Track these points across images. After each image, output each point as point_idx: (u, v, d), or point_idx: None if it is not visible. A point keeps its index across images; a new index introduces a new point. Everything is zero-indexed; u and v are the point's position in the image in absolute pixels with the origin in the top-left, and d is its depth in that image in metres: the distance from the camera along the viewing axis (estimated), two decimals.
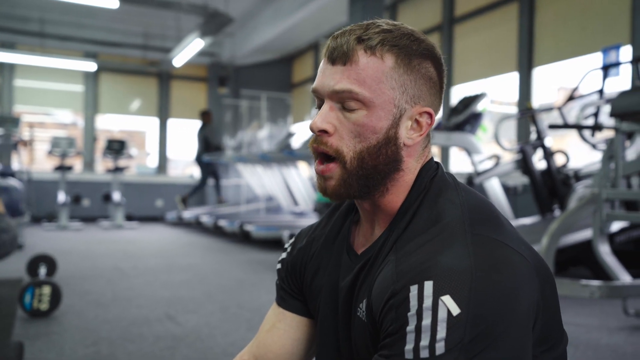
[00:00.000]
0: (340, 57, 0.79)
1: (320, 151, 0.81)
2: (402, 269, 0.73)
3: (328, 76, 0.80)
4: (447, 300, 0.67)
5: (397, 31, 0.80)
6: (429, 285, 0.68)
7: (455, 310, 0.66)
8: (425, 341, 0.66)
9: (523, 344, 0.70)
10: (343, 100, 0.79)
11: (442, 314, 0.66)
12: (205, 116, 8.96)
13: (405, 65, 0.79)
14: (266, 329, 1.00)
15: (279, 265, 1.03)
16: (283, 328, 0.98)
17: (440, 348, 0.66)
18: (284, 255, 1.03)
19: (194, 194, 8.98)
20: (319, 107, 0.83)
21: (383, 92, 0.78)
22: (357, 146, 0.79)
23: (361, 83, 0.78)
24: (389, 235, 0.81)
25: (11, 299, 3.15)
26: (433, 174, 0.84)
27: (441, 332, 0.66)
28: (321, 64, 0.83)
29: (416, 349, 0.67)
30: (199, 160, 8.85)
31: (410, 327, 0.68)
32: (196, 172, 10.53)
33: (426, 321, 0.67)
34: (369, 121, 0.78)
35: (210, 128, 8.97)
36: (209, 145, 8.73)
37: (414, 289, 0.69)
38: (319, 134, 0.80)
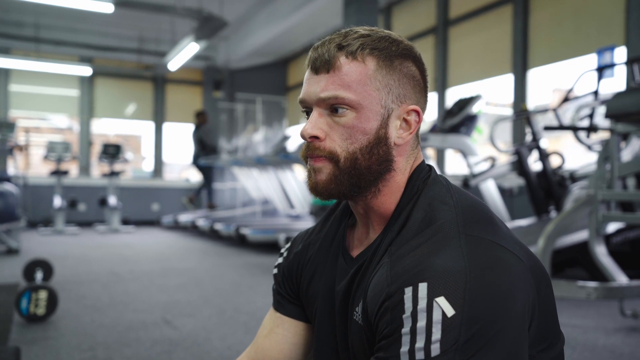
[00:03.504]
0: (322, 66, 0.81)
1: (314, 157, 0.82)
2: (396, 271, 0.73)
3: (313, 85, 0.82)
4: (441, 301, 0.67)
5: (375, 35, 0.82)
6: (423, 287, 0.69)
7: (450, 311, 0.67)
8: (420, 343, 0.67)
9: (519, 344, 0.70)
10: (331, 105, 0.80)
11: (436, 316, 0.67)
12: (200, 117, 8.96)
13: (387, 67, 0.81)
14: (264, 334, 1.00)
15: (275, 270, 1.03)
16: (281, 333, 0.99)
17: (435, 349, 0.66)
18: (280, 260, 1.03)
19: (200, 194, 8.97)
20: (308, 116, 0.85)
21: (369, 94, 0.80)
22: (350, 147, 0.80)
23: (346, 87, 0.79)
24: (383, 238, 0.82)
25: (8, 304, 3.14)
26: (425, 175, 0.85)
27: (436, 334, 0.66)
28: (305, 74, 0.85)
29: (412, 350, 0.67)
30: (196, 163, 8.84)
31: (406, 329, 0.68)
32: (192, 176, 10.54)
33: (421, 323, 0.67)
34: (358, 123, 0.80)
35: (206, 129, 8.96)
36: (204, 146, 8.72)
37: (408, 291, 0.69)
38: (310, 140, 0.81)
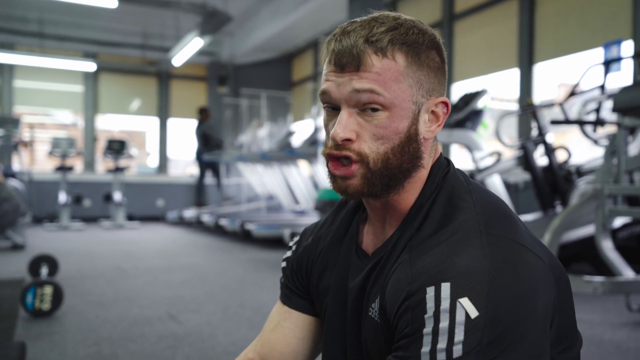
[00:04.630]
0: (350, 62, 0.76)
1: (342, 156, 0.78)
2: (417, 269, 0.71)
3: (342, 82, 0.76)
4: (465, 302, 0.66)
5: (402, 27, 0.77)
6: (446, 287, 0.67)
7: (474, 312, 0.66)
8: (442, 344, 0.66)
9: (541, 346, 0.69)
10: (362, 103, 0.76)
11: (460, 317, 0.66)
12: (203, 113, 9.00)
13: (416, 62, 0.77)
14: (271, 327, 0.98)
15: (284, 264, 1.02)
16: (288, 326, 0.97)
17: (457, 351, 0.65)
18: (289, 253, 1.02)
19: (202, 192, 9.03)
20: (327, 110, 0.81)
21: (403, 92, 0.76)
22: (381, 148, 0.77)
23: (382, 86, 0.75)
24: (401, 235, 0.80)
25: (13, 299, 3.15)
26: (445, 171, 0.83)
27: (459, 335, 0.65)
28: (327, 68, 0.79)
29: (433, 351, 0.66)
30: (198, 158, 8.89)
31: (427, 329, 0.67)
32: (195, 171, 10.56)
33: (444, 324, 0.66)
34: (391, 122, 0.76)
35: (209, 125, 9.00)
36: (208, 142, 8.75)
37: (430, 291, 0.68)
38: (343, 142, 0.77)
